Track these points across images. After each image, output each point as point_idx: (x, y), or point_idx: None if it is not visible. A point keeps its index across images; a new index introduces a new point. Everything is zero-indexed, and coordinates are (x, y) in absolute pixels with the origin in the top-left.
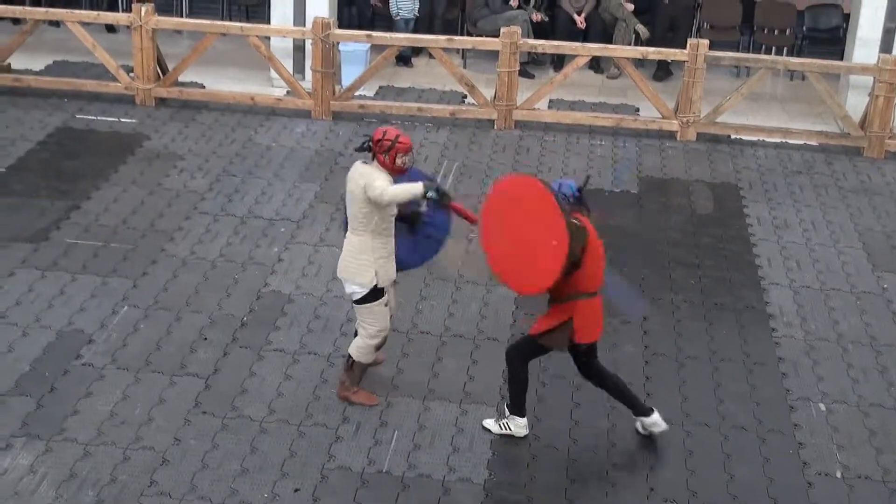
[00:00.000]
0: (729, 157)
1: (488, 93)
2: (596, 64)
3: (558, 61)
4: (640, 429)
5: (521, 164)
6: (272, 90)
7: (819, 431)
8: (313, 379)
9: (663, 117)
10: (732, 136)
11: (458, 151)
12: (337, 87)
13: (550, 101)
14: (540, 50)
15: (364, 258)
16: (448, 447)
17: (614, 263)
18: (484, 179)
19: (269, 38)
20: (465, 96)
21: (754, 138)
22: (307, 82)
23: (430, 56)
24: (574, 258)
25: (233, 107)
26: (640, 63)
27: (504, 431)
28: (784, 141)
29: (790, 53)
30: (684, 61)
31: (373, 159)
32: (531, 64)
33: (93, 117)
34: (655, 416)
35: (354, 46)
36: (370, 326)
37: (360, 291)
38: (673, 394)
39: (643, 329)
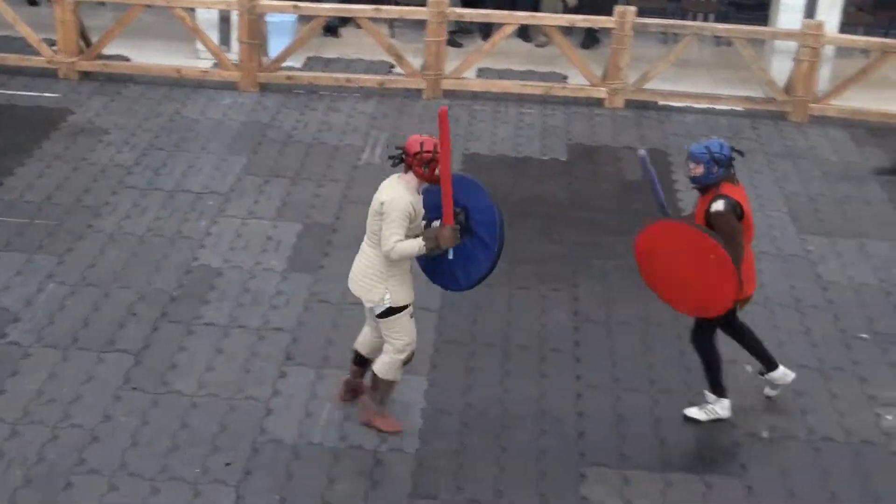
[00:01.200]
0: (657, 124)
1: (416, 62)
2: (524, 32)
3: (486, 30)
4: (769, 390)
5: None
6: (198, 62)
7: (747, 393)
8: (244, 353)
9: (591, 85)
10: (660, 103)
11: (387, 121)
12: (264, 59)
13: (479, 70)
14: (468, 19)
15: (373, 274)
16: None
17: (545, 232)
18: None
19: (194, 10)
20: (393, 66)
21: (682, 104)
22: (234, 54)
23: (358, 26)
24: (737, 241)
25: (158, 80)
26: (567, 31)
27: (712, 417)
28: (711, 107)
29: (717, 20)
30: (612, 29)
31: (407, 171)
32: (459, 33)
33: (14, 92)
34: (782, 369)
35: (281, 17)
36: (396, 340)
37: (379, 306)
38: (603, 359)
39: (573, 296)
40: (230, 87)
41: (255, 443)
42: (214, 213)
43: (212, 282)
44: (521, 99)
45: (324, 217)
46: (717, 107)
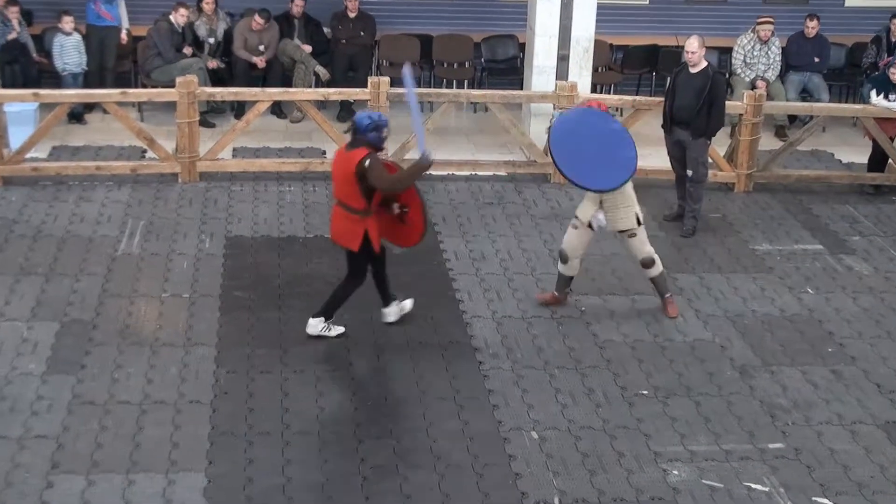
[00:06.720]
0: (424, 193)
1: (169, 145)
2: (278, 108)
3: (239, 108)
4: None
5: (209, 217)
6: None
7: (534, 460)
8: (4, 465)
9: None
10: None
11: (143, 209)
12: (5, 151)
13: (234, 149)
14: (219, 98)
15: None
16: None
17: (298, 309)
18: (172, 236)
19: None
20: (146, 151)
21: (444, 173)
22: None
23: (105, 111)
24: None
25: None
26: (322, 105)
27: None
28: (474, 173)
29: (471, 86)
30: (367, 100)
31: None
32: (211, 112)
33: None
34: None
35: (21, 106)
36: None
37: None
38: (385, 438)
39: (350, 375)
40: None
41: None
42: None
43: None
44: (281, 176)
45: (82, 314)
46: (480, 173)
